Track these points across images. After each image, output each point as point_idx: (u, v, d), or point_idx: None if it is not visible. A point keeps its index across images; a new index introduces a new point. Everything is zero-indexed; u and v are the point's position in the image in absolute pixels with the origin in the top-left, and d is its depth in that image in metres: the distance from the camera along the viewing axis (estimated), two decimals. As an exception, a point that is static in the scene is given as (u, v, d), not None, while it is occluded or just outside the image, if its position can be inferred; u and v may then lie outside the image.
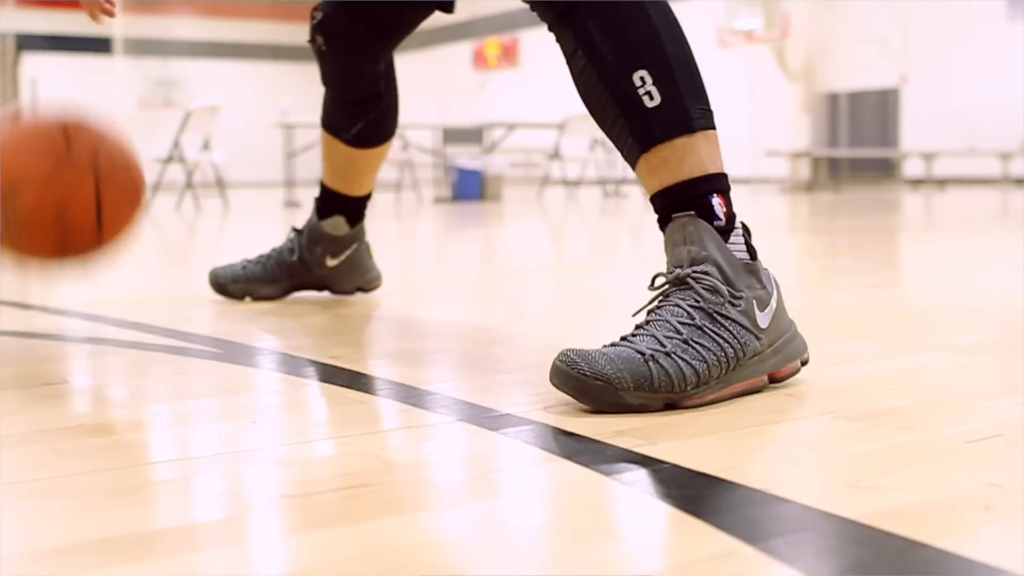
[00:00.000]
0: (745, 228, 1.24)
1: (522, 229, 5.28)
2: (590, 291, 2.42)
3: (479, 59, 22.68)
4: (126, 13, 22.57)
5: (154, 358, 1.50)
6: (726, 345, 1.14)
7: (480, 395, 1.18)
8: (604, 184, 11.26)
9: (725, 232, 1.21)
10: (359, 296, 2.16)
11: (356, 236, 2.15)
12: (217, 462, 0.93)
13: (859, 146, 16.80)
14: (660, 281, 1.21)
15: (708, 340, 1.14)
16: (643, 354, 1.10)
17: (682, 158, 1.22)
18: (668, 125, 1.22)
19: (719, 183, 1.24)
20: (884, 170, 15.81)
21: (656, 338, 1.13)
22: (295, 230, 2.15)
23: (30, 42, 23.29)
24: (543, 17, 1.34)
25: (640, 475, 0.86)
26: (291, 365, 1.42)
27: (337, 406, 1.15)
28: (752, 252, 1.23)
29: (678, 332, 1.14)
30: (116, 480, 0.87)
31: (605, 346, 1.14)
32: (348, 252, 2.13)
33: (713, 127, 1.26)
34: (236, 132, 21.86)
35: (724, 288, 1.17)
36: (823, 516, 0.75)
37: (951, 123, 15.20)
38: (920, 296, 2.30)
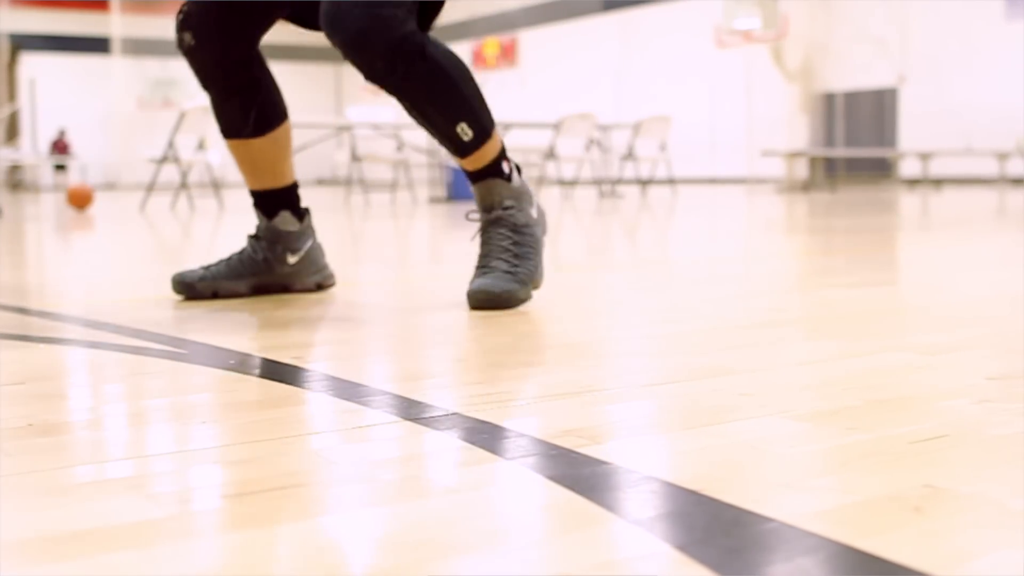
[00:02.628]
0: (517, 167, 2.05)
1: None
2: (584, 291, 2.42)
3: (478, 59, 22.70)
4: (125, 13, 22.59)
5: (118, 358, 1.50)
6: (535, 244, 2.01)
7: (434, 395, 1.18)
8: (600, 184, 11.26)
9: (509, 177, 2.02)
10: (347, 296, 2.18)
11: (307, 232, 2.24)
12: (160, 462, 0.93)
13: (855, 146, 16.81)
14: (474, 216, 2.04)
15: (529, 249, 1.99)
16: (512, 272, 1.95)
17: (484, 153, 1.99)
18: (477, 143, 1.96)
19: (502, 154, 2.01)
20: (880, 170, 15.81)
21: (506, 260, 1.96)
22: (252, 237, 2.22)
23: (28, 42, 23.29)
24: (379, 85, 1.93)
25: (577, 475, 0.86)
26: (252, 365, 1.42)
27: (288, 406, 1.15)
28: (520, 175, 2.06)
29: (513, 255, 1.97)
30: (55, 480, 0.87)
31: (477, 277, 1.95)
32: (305, 249, 2.22)
33: (494, 123, 1.99)
34: (235, 132, 21.84)
35: (518, 207, 2.01)
36: (751, 517, 0.75)
37: (948, 123, 15.21)
38: (899, 296, 2.30)
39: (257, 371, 1.37)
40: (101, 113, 23.54)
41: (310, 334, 1.75)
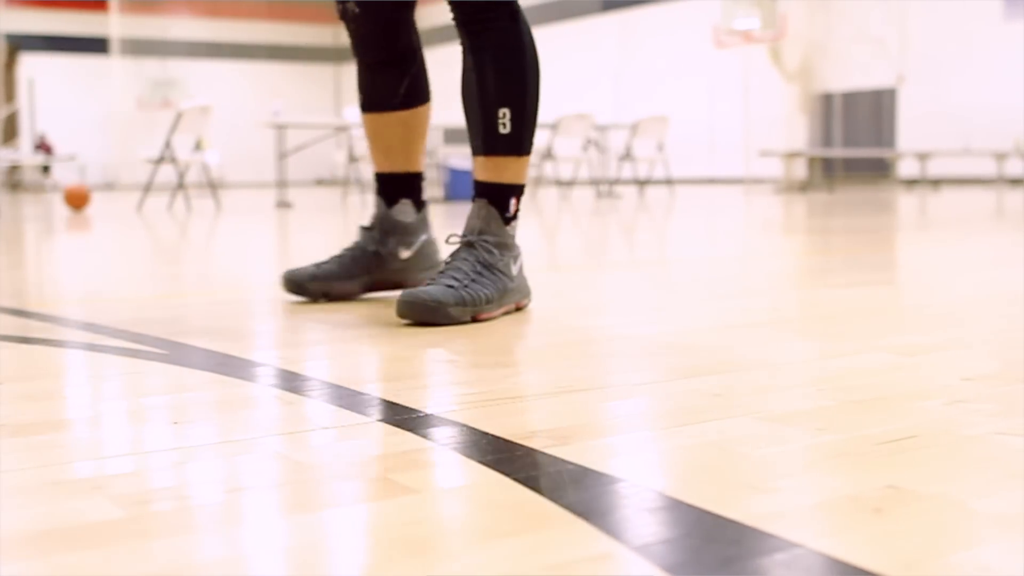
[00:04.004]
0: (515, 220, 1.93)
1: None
2: (577, 290, 2.42)
3: (477, 59, 22.67)
4: (124, 13, 22.59)
5: (99, 359, 1.50)
6: (497, 282, 1.84)
7: (411, 396, 1.18)
8: (597, 184, 11.26)
9: (509, 220, 1.91)
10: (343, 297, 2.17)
11: (422, 226, 2.19)
12: (127, 463, 0.93)
13: (853, 146, 16.80)
14: (455, 239, 1.89)
15: (488, 280, 1.82)
16: (453, 286, 1.77)
17: (504, 168, 1.90)
18: (506, 147, 1.88)
19: (519, 191, 1.93)
20: (879, 170, 15.80)
21: (457, 277, 1.79)
22: (364, 228, 2.17)
23: (27, 42, 23.29)
24: (462, 39, 1.91)
25: (541, 476, 0.86)
26: (233, 366, 1.42)
27: (265, 407, 1.15)
28: (515, 234, 1.93)
29: (468, 275, 1.81)
30: (19, 481, 0.87)
31: (425, 284, 1.79)
32: (419, 243, 2.17)
33: (530, 153, 1.92)
34: (234, 133, 21.86)
35: (496, 251, 1.87)
36: (710, 518, 0.75)
37: (946, 123, 15.20)
38: (887, 296, 2.29)
39: (237, 372, 1.37)
40: (100, 113, 23.55)
41: (297, 335, 1.75)
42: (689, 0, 18.51)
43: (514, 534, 0.73)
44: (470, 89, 1.89)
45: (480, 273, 1.82)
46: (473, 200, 1.91)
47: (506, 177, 1.89)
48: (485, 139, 1.87)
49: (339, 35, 26.30)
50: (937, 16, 15.52)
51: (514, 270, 1.89)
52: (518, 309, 1.93)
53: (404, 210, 2.15)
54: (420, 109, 2.16)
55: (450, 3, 1.89)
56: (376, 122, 2.16)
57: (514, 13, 1.91)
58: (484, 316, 1.80)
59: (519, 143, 1.88)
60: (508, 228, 1.90)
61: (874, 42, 16.13)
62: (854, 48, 16.47)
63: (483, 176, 1.90)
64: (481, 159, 1.89)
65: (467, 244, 1.87)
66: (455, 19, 1.91)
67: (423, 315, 1.72)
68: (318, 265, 2.12)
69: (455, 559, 0.68)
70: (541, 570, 0.65)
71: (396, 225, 2.15)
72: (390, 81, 2.13)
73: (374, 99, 2.15)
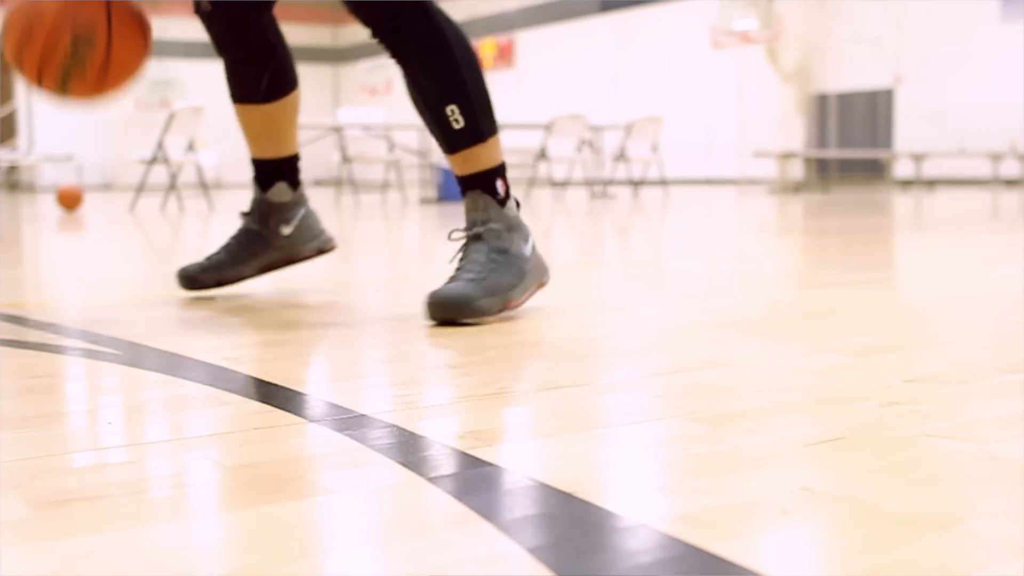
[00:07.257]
0: (517, 202, 1.92)
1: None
2: (559, 292, 2.41)
3: (475, 60, 22.69)
4: (122, 14, 22.58)
5: (54, 360, 1.50)
6: (515, 265, 1.84)
7: (349, 397, 1.18)
8: (591, 185, 11.25)
9: (503, 201, 1.89)
10: (318, 296, 2.18)
11: (300, 200, 2.26)
12: (51, 462, 0.93)
13: (848, 147, 16.79)
14: (458, 235, 1.89)
15: (505, 266, 1.83)
16: (475, 279, 1.77)
17: (476, 158, 1.88)
18: (468, 139, 1.87)
19: (500, 171, 1.90)
20: (874, 171, 15.79)
21: (475, 270, 1.79)
22: (244, 214, 2.25)
23: (24, 43, 23.27)
24: (379, 38, 1.88)
25: (459, 477, 0.86)
26: (180, 367, 1.41)
27: (199, 407, 1.15)
28: (518, 208, 1.92)
29: (486, 266, 1.81)
30: (-60, 482, 0.87)
31: (446, 284, 1.78)
32: (298, 218, 2.24)
33: (496, 131, 1.90)
34: (233, 133, 21.83)
35: (506, 234, 1.86)
36: (613, 519, 0.75)
37: (943, 124, 15.19)
38: (861, 297, 2.29)
39: (183, 373, 1.37)
40: (98, 113, 23.55)
41: (258, 334, 1.75)
42: (687, 1, 18.51)
43: (415, 535, 0.72)
44: (414, 97, 1.89)
45: (496, 260, 1.81)
46: (463, 195, 1.90)
47: (480, 165, 1.87)
48: (445, 139, 1.87)
49: (338, 35, 26.31)
50: (934, 17, 15.50)
51: (527, 250, 1.88)
52: (540, 287, 1.93)
53: (279, 191, 2.23)
54: (285, 100, 2.20)
55: (362, 21, 1.88)
56: (244, 113, 2.22)
57: (425, 12, 1.85)
58: (513, 304, 1.81)
59: (478, 131, 1.86)
60: (507, 210, 1.88)
61: (871, 43, 16.11)
62: (851, 49, 16.45)
63: (460, 171, 1.89)
64: (451, 157, 1.90)
65: (476, 237, 1.86)
66: (372, 35, 1.89)
67: (452, 313, 1.72)
68: (208, 258, 2.19)
69: (351, 559, 0.68)
70: (433, 570, 0.65)
71: (272, 207, 2.22)
72: (250, 77, 2.17)
73: (238, 92, 2.20)
